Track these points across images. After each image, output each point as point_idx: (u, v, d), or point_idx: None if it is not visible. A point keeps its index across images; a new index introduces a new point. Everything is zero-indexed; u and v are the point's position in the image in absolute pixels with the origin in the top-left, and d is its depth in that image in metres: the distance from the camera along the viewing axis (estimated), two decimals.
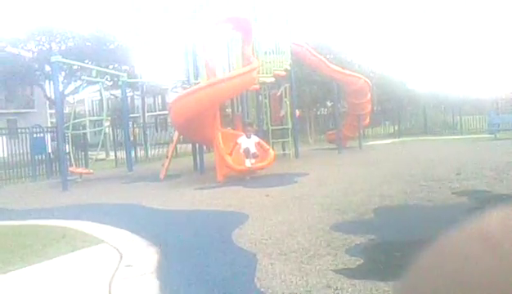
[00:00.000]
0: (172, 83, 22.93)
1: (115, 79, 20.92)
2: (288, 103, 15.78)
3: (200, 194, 9.28)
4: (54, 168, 16.72)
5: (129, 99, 27.80)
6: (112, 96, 30.66)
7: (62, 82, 24.40)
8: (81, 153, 18.46)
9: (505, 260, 0.33)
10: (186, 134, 12.90)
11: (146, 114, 31.52)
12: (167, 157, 13.97)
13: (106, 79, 15.37)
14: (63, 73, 24.28)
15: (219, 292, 3.84)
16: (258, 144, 11.76)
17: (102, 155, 22.41)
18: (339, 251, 4.60)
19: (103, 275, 4.47)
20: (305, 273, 4.07)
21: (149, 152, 23.43)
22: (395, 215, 6.35)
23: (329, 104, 28.59)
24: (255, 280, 4.01)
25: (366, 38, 74.62)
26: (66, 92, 27.03)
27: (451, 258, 0.37)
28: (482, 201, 6.49)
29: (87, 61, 22.33)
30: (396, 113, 28.49)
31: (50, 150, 17.99)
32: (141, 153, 22.89)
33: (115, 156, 20.86)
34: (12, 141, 17.26)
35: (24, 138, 16.97)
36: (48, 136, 18.62)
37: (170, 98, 21.90)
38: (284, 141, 16.58)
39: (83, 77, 18.29)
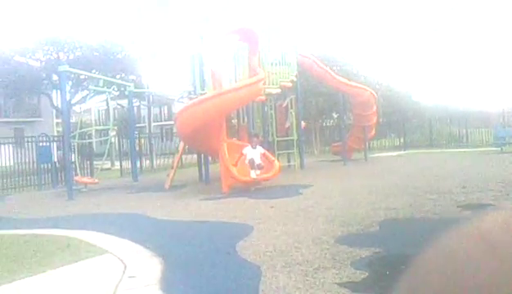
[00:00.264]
0: (178, 94, 22.97)
1: (122, 89, 21.04)
2: (293, 114, 15.80)
3: (205, 205, 9.27)
4: (60, 177, 16.78)
5: (135, 109, 27.91)
6: (119, 106, 30.80)
7: (69, 92, 24.53)
8: (86, 163, 18.51)
9: (505, 261, 0.33)
10: (191, 144, 12.93)
11: (152, 124, 31.59)
12: (172, 167, 14.00)
13: (113, 89, 15.43)
14: (70, 83, 24.43)
15: None
16: (264, 155, 11.76)
17: (107, 165, 22.47)
18: (344, 264, 4.57)
19: (107, 286, 4.46)
20: (309, 286, 4.05)
21: (154, 162, 23.48)
22: (400, 228, 6.31)
23: (334, 115, 28.61)
24: (259, 293, 3.99)
25: (372, 50, 74.78)
26: (73, 102, 27.18)
27: (451, 258, 0.37)
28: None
29: (94, 71, 22.47)
30: (401, 126, 28.43)
31: (56, 159, 18.06)
32: (146, 163, 22.95)
33: (121, 166, 20.92)
34: (18, 150, 17.35)
35: (30, 147, 17.06)
36: (54, 145, 18.71)
37: (176, 108, 21.96)
38: (289, 153, 16.56)
39: (90, 87, 18.39)
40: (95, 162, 18.74)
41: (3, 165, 16.08)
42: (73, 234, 7.03)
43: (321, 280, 4.17)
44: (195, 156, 16.17)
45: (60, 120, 30.16)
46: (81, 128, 15.46)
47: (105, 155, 16.30)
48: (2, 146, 16.51)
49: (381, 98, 22.36)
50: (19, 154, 17.04)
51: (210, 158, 14.03)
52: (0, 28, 54.15)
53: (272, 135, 15.60)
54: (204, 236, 6.46)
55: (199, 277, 4.57)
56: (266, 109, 15.25)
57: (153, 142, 25.18)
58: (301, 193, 9.88)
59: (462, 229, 0.39)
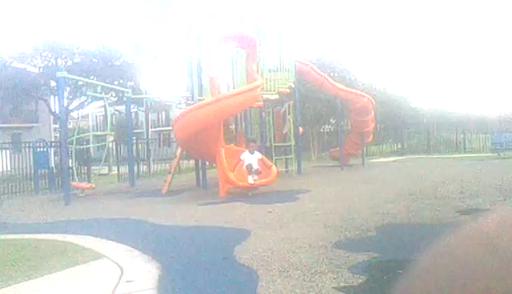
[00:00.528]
0: (176, 99, 23.03)
1: (120, 95, 21.06)
2: (291, 120, 15.82)
3: (202, 210, 9.26)
4: (57, 182, 16.74)
5: (133, 114, 27.90)
6: (116, 112, 30.82)
7: (67, 98, 24.55)
8: (84, 168, 18.48)
9: (505, 265, 0.33)
10: (189, 149, 12.92)
11: (150, 130, 31.59)
12: (170, 172, 13.99)
13: (111, 95, 15.43)
14: (68, 89, 24.45)
15: None
16: (261, 160, 11.76)
17: (105, 170, 22.43)
18: (342, 269, 4.57)
19: (104, 290, 4.44)
20: (307, 290, 4.04)
21: (152, 167, 23.45)
22: (398, 233, 6.31)
23: (332, 121, 28.67)
24: None
25: (370, 56, 75.06)
26: (71, 108, 27.19)
27: (448, 263, 0.37)
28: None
29: (92, 77, 22.51)
30: (399, 131, 28.49)
31: (53, 164, 18.02)
32: (143, 168, 22.92)
33: (118, 171, 20.89)
34: (16, 155, 17.31)
35: (27, 152, 17.03)
36: (52, 151, 18.68)
37: (174, 114, 21.98)
38: (287, 158, 16.58)
39: (88, 93, 18.39)
40: (92, 168, 18.72)
41: (0, 170, 16.03)
42: (70, 239, 7.00)
43: (319, 285, 4.16)
44: (193, 161, 16.17)
45: (57, 126, 30.13)
46: (78, 134, 15.43)
47: (103, 160, 16.27)
48: (0, 151, 16.47)
49: (378, 104, 22.41)
50: (16, 159, 17.00)
51: (208, 164, 14.03)
52: None
53: (270, 140, 15.62)
54: (202, 241, 6.45)
55: (196, 281, 4.56)
56: (264, 114, 15.28)
57: (150, 148, 25.16)
58: (298, 199, 9.88)
59: (460, 233, 0.39)
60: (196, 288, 4.38)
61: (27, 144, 17.47)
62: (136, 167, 19.36)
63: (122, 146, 23.20)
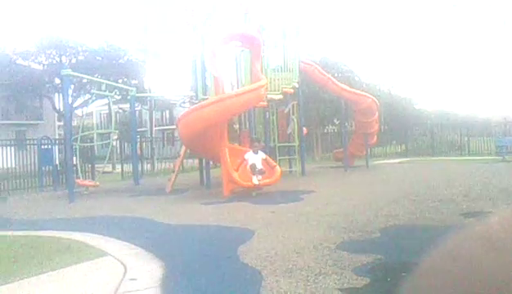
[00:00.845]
0: (180, 98, 23.05)
1: (124, 93, 21.06)
2: (295, 120, 15.81)
3: (206, 209, 9.26)
4: (61, 180, 16.79)
5: (137, 113, 27.95)
6: (120, 110, 30.87)
7: (71, 95, 24.60)
8: (88, 166, 18.52)
9: (506, 261, 0.33)
10: (193, 148, 12.93)
11: (154, 128, 31.62)
12: (173, 171, 13.99)
13: (115, 93, 15.45)
14: (72, 87, 24.49)
15: None
16: (265, 160, 11.75)
17: (109, 168, 22.46)
18: (346, 271, 4.56)
19: (107, 288, 4.45)
20: (310, 291, 4.03)
21: (155, 166, 23.48)
22: (402, 235, 6.29)
23: (336, 122, 28.65)
24: None
25: (375, 57, 74.95)
26: (75, 105, 27.25)
27: (452, 265, 0.36)
28: None
29: (96, 75, 22.53)
30: (403, 133, 28.43)
31: (57, 162, 18.07)
32: (147, 166, 22.95)
33: (122, 169, 20.92)
34: (20, 152, 17.37)
35: (32, 149, 17.09)
36: (56, 148, 18.73)
37: (178, 113, 22.00)
38: (290, 158, 16.56)
39: (92, 91, 18.42)
40: (96, 166, 18.77)
41: (5, 167, 16.09)
42: (73, 236, 7.02)
43: (323, 286, 4.16)
44: (197, 160, 16.18)
45: (62, 123, 30.23)
46: (83, 131, 15.45)
47: (107, 158, 16.31)
48: (4, 148, 16.53)
49: (383, 105, 22.38)
50: (21, 156, 17.07)
51: (211, 163, 14.03)
52: (3, 31, 54.37)
53: (274, 140, 15.61)
54: (205, 240, 6.45)
55: (199, 280, 4.56)
56: (267, 114, 15.27)
57: (154, 146, 25.19)
58: (302, 199, 9.87)
59: (463, 236, 0.39)
60: (199, 287, 4.38)
61: (31, 142, 17.52)
62: (140, 166, 19.39)
63: (126, 144, 23.25)
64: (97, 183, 14.69)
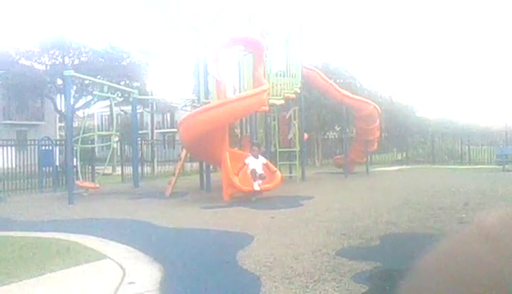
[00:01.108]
0: (182, 101, 23.07)
1: (126, 95, 21.10)
2: (296, 126, 15.82)
3: (206, 213, 9.25)
4: (61, 181, 16.78)
5: (139, 115, 27.98)
6: (122, 112, 30.88)
7: (73, 96, 24.61)
8: (88, 167, 18.52)
9: (506, 260, 0.33)
10: (194, 152, 12.93)
11: (155, 131, 31.64)
12: (174, 174, 13.99)
13: (117, 95, 15.47)
14: (74, 88, 24.51)
15: None
16: (266, 165, 11.76)
17: (109, 170, 22.46)
18: (344, 277, 4.55)
19: (106, 291, 4.44)
20: None
21: (156, 169, 23.46)
22: (401, 242, 6.28)
23: (337, 128, 28.66)
24: None
25: (377, 64, 75.07)
26: (77, 106, 27.25)
27: (452, 258, 0.37)
28: None
29: (99, 77, 22.55)
30: (404, 140, 28.42)
31: (57, 163, 18.06)
32: (147, 169, 22.94)
33: (122, 171, 20.92)
34: (21, 152, 17.36)
35: (32, 150, 17.09)
36: (57, 149, 18.72)
37: (179, 116, 22.03)
38: (291, 164, 16.56)
39: (94, 93, 18.44)
40: (96, 167, 18.76)
41: (5, 167, 16.09)
42: (73, 238, 7.01)
43: (321, 292, 4.15)
44: (197, 164, 16.18)
45: (63, 124, 30.25)
46: (84, 133, 15.46)
47: (107, 160, 16.30)
48: (5, 148, 16.53)
49: (384, 112, 22.38)
50: (21, 157, 17.06)
51: (212, 167, 14.03)
52: (6, 31, 54.50)
53: (275, 145, 15.62)
54: (204, 244, 6.44)
55: (198, 284, 4.55)
56: (269, 119, 15.28)
57: (155, 149, 25.19)
58: (302, 205, 9.87)
59: (461, 244, 0.39)
60: (198, 292, 4.37)
61: (32, 142, 17.52)
62: (140, 168, 19.39)
63: (126, 147, 23.25)
64: (97, 185, 14.69)
